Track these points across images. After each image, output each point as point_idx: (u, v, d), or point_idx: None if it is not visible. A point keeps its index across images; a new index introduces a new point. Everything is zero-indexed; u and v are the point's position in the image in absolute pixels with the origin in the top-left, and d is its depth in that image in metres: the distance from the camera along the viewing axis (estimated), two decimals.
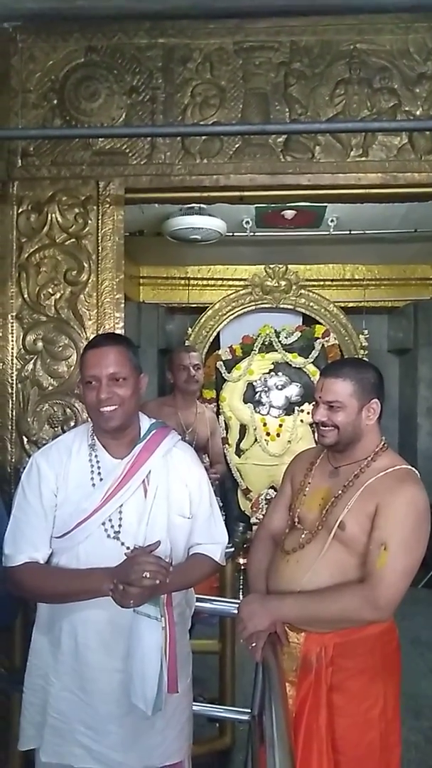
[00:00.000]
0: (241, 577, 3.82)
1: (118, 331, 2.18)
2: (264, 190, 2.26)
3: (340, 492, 1.61)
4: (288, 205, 3.69)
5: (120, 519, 1.43)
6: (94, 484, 1.45)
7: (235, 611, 1.69)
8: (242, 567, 3.64)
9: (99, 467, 1.47)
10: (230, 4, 2.11)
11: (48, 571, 1.43)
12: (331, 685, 1.55)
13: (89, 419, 1.53)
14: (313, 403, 1.68)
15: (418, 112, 2.17)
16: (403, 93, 2.17)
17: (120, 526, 1.43)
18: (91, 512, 1.41)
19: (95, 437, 1.50)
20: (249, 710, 1.85)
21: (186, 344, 4.84)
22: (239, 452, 5.08)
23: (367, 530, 1.53)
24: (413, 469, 1.63)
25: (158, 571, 1.29)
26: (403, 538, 1.50)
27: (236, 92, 2.20)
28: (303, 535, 1.63)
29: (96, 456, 1.48)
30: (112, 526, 1.43)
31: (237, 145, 2.19)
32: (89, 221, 2.22)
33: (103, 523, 1.42)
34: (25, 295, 2.22)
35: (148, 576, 1.28)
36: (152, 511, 1.44)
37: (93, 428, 1.52)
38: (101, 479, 1.45)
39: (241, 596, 3.55)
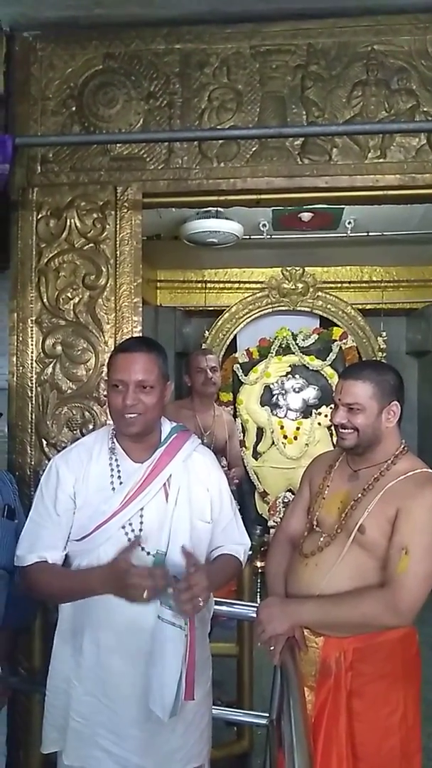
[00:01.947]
0: (259, 581, 3.80)
1: (135, 335, 2.19)
2: (281, 193, 2.25)
3: (359, 495, 1.60)
4: (305, 207, 3.68)
5: (141, 523, 1.44)
6: (114, 488, 1.46)
7: (253, 614, 1.69)
8: (260, 570, 3.63)
9: (119, 471, 1.47)
10: (246, 8, 2.12)
11: (55, 571, 1.44)
12: (350, 690, 1.54)
13: (111, 422, 1.54)
14: (333, 405, 1.67)
15: None
16: (422, 93, 2.16)
17: (141, 530, 1.43)
18: (110, 515, 1.42)
19: (115, 441, 1.51)
20: (267, 714, 1.84)
21: (203, 347, 4.85)
22: (256, 455, 5.07)
23: (387, 534, 1.52)
24: None
25: (154, 585, 1.27)
26: (425, 542, 1.49)
27: (253, 96, 2.21)
28: (322, 539, 1.62)
29: (116, 459, 1.49)
30: (133, 530, 1.43)
31: (254, 149, 2.19)
32: (107, 226, 2.24)
33: (123, 527, 1.43)
34: (45, 300, 2.25)
35: (146, 594, 1.26)
36: (174, 516, 1.45)
37: (114, 432, 1.52)
38: (121, 483, 1.46)
39: (258, 599, 3.54)
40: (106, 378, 1.55)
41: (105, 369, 1.85)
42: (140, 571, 1.29)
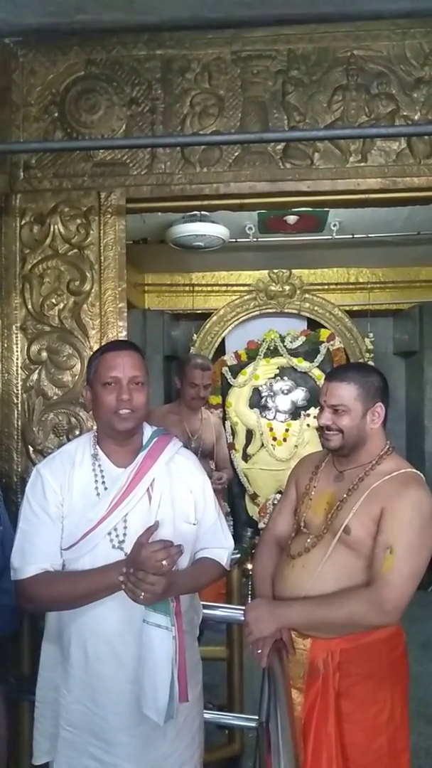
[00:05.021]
0: (249, 583, 3.80)
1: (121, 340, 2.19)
2: (264, 197, 2.27)
3: (345, 496, 1.61)
4: (290, 210, 3.71)
5: (125, 528, 1.43)
6: (98, 494, 1.45)
7: (243, 617, 1.69)
8: (250, 572, 3.62)
9: (103, 476, 1.47)
10: (227, 14, 2.13)
11: (61, 577, 1.41)
12: (338, 691, 1.55)
13: (95, 426, 1.54)
14: (318, 407, 1.69)
15: (416, 117, 2.17)
16: (401, 98, 2.18)
17: (125, 535, 1.43)
18: (97, 522, 1.41)
19: (97, 446, 1.51)
20: (257, 717, 1.84)
21: (195, 354, 4.80)
22: (246, 457, 5.08)
23: (372, 534, 1.54)
24: (418, 472, 1.63)
25: (170, 554, 1.29)
26: (409, 541, 1.50)
27: (235, 101, 2.22)
28: (309, 540, 1.64)
29: (99, 465, 1.49)
30: (117, 536, 1.43)
31: (236, 154, 2.20)
32: (91, 232, 2.24)
33: (109, 533, 1.42)
34: (29, 306, 2.24)
35: (165, 563, 1.28)
36: (157, 519, 1.44)
37: (96, 437, 1.53)
38: (105, 488, 1.46)
39: (249, 602, 3.53)
40: (86, 382, 1.55)
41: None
42: (155, 545, 1.30)
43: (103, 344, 1.96)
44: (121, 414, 1.44)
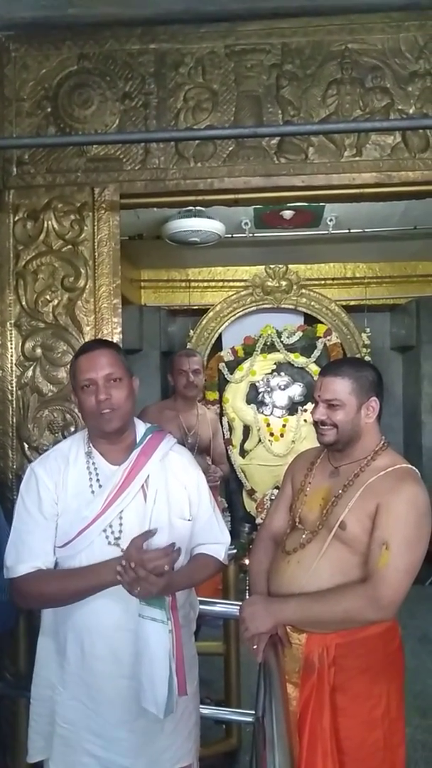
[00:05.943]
0: (247, 579, 3.81)
1: (115, 337, 2.19)
2: (258, 192, 2.26)
3: (340, 491, 1.62)
4: (286, 205, 3.70)
5: (120, 525, 1.44)
6: (93, 491, 1.45)
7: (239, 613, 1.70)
8: (247, 568, 3.63)
9: (97, 474, 1.47)
10: (221, 7, 2.11)
11: (53, 576, 1.42)
12: (333, 685, 1.55)
13: (86, 426, 1.53)
14: (313, 402, 1.69)
15: (411, 111, 2.16)
16: (396, 92, 2.17)
17: (120, 532, 1.43)
18: (92, 520, 1.41)
19: (91, 444, 1.51)
20: (254, 712, 1.85)
21: (188, 347, 4.84)
22: (243, 453, 5.08)
23: (367, 529, 1.54)
24: (413, 467, 1.63)
25: (170, 560, 1.32)
26: (405, 536, 1.50)
27: (229, 95, 2.20)
28: (304, 536, 1.64)
29: (93, 463, 1.49)
30: (113, 533, 1.43)
31: (230, 148, 2.19)
32: (85, 228, 2.23)
33: (104, 530, 1.42)
34: (23, 303, 2.23)
35: (166, 568, 1.30)
36: (153, 516, 1.45)
37: (89, 435, 1.52)
38: (100, 486, 1.46)
39: (247, 597, 3.54)
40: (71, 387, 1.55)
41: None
42: (156, 553, 1.32)
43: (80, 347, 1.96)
44: (103, 414, 1.44)
